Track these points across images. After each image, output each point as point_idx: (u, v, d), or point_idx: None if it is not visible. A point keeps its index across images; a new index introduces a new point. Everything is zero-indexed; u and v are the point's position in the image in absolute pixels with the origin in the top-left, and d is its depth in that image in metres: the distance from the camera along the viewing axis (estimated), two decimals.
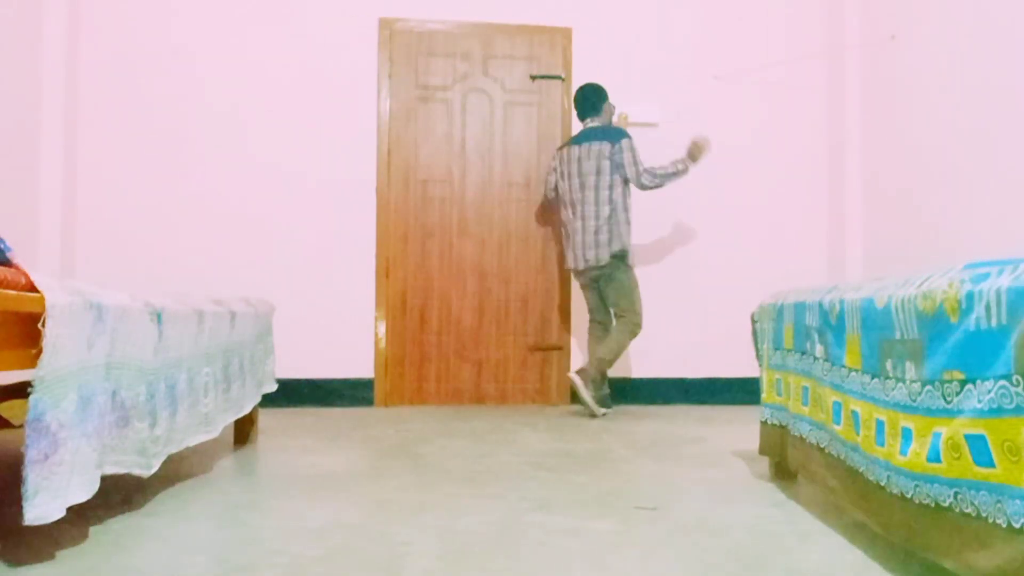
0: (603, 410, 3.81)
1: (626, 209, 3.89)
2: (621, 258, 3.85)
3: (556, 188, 4.03)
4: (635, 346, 4.32)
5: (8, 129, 3.64)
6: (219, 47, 4.15)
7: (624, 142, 3.86)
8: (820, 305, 1.88)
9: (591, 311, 4.02)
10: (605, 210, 3.84)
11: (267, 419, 3.51)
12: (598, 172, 3.85)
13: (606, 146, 3.85)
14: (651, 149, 4.37)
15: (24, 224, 3.72)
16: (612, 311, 3.94)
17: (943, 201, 3.55)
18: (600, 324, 4.00)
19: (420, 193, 4.26)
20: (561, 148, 4.00)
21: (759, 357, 2.44)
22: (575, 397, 3.88)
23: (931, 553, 1.34)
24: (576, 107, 4.02)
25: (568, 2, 4.36)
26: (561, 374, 4.29)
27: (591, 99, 3.97)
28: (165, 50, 4.10)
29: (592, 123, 3.97)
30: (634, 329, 3.86)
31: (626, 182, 3.88)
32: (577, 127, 4.33)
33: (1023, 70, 3.09)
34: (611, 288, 3.88)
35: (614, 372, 4.28)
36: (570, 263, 3.95)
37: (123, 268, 3.97)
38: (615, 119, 4.31)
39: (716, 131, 4.43)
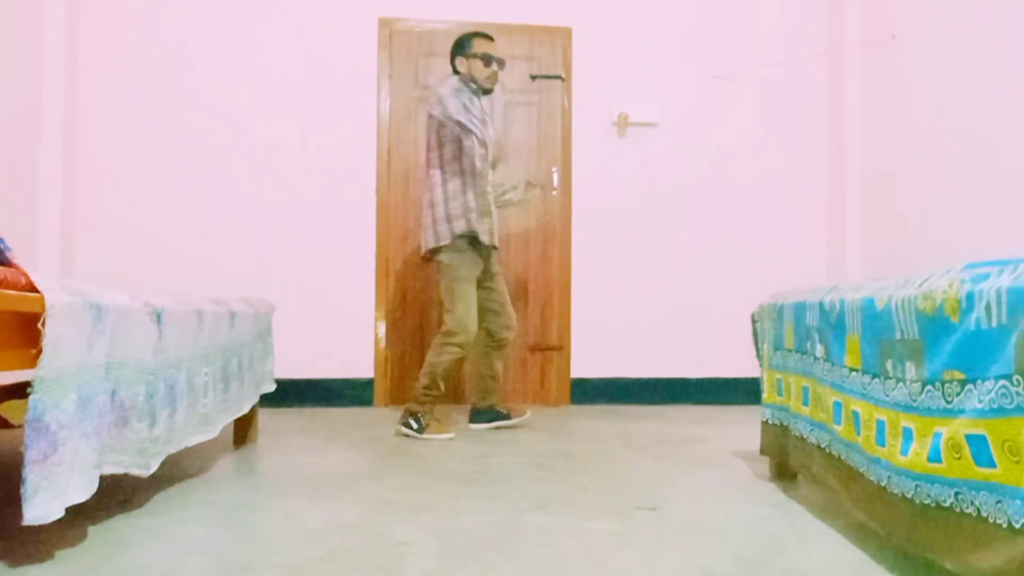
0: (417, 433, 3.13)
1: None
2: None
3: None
4: (636, 346, 4.32)
5: (8, 128, 3.64)
6: (219, 47, 4.14)
7: None
8: (820, 305, 1.88)
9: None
10: None
11: (267, 419, 3.51)
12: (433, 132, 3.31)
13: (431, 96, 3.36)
14: (651, 149, 4.38)
15: (24, 224, 3.72)
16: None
17: (943, 201, 3.55)
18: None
19: (420, 193, 4.25)
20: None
21: (759, 357, 2.44)
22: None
23: (931, 553, 1.34)
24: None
25: (568, 2, 4.36)
26: (561, 374, 4.29)
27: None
28: (165, 50, 4.10)
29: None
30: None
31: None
32: (580, 128, 4.34)
33: (1023, 70, 3.09)
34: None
35: (612, 371, 4.29)
36: (496, 240, 3.37)
37: (123, 268, 3.96)
38: (614, 120, 4.32)
39: (716, 131, 4.43)
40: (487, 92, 3.36)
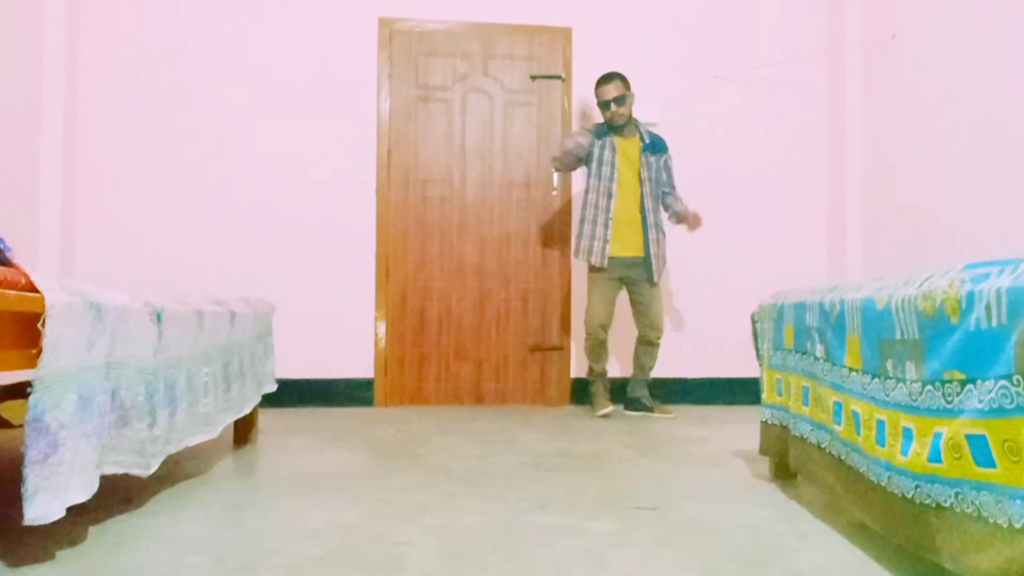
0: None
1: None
2: None
3: None
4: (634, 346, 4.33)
5: (8, 129, 3.64)
6: (219, 47, 4.14)
7: None
8: (820, 305, 1.88)
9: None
10: None
11: (267, 419, 3.51)
12: None
13: None
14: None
15: (24, 224, 3.72)
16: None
17: (943, 201, 3.55)
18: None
19: (420, 193, 4.26)
20: None
21: (759, 357, 2.44)
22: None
23: (931, 553, 1.34)
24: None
25: (568, 2, 4.36)
26: (561, 374, 4.29)
27: None
28: (165, 50, 4.10)
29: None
30: None
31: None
32: (579, 125, 4.34)
33: (1023, 70, 3.09)
34: None
35: (613, 371, 4.30)
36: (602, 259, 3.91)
37: (123, 268, 3.96)
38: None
39: (716, 131, 4.44)
40: (618, 129, 3.88)
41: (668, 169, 3.95)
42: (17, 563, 1.50)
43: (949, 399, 1.28)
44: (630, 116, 3.88)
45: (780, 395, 2.26)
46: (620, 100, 3.81)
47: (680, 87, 4.40)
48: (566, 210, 4.32)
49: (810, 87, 4.47)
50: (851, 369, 1.70)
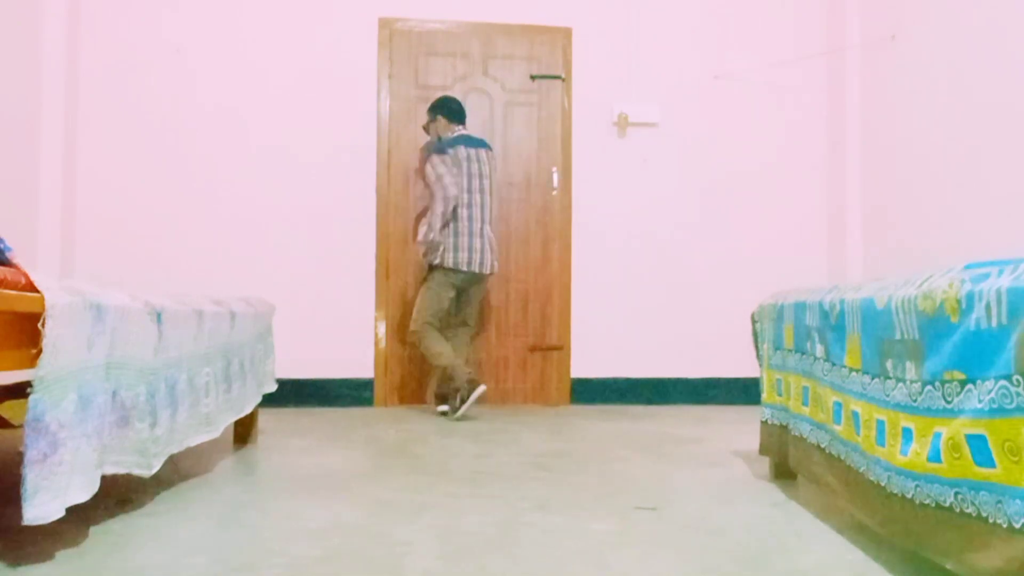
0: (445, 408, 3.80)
1: None
2: None
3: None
4: (636, 346, 4.33)
5: (8, 129, 3.64)
6: (219, 47, 4.14)
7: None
8: (820, 305, 1.88)
9: (444, 313, 3.81)
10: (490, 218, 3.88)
11: (267, 419, 3.50)
12: (492, 179, 3.85)
13: (491, 156, 3.89)
14: (649, 149, 4.37)
15: (24, 224, 3.72)
16: (466, 318, 3.92)
17: (943, 201, 3.55)
18: (444, 326, 3.86)
19: (420, 193, 4.26)
20: (452, 146, 3.74)
21: (759, 357, 2.44)
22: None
23: (931, 553, 1.34)
24: (459, 112, 3.86)
25: (568, 2, 4.36)
26: (561, 374, 4.29)
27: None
28: (165, 50, 4.10)
29: (464, 130, 3.85)
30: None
31: None
32: (580, 128, 4.34)
33: (1023, 70, 3.09)
34: (479, 296, 3.97)
35: (612, 371, 4.30)
36: (463, 265, 3.73)
37: (123, 268, 3.96)
38: (614, 120, 4.35)
39: (716, 131, 4.43)
40: None
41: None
42: (17, 563, 1.50)
43: (949, 399, 1.28)
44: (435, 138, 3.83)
45: (780, 395, 2.26)
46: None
47: (680, 87, 4.40)
48: (566, 210, 4.32)
49: (810, 87, 4.47)
50: (851, 369, 1.70)
